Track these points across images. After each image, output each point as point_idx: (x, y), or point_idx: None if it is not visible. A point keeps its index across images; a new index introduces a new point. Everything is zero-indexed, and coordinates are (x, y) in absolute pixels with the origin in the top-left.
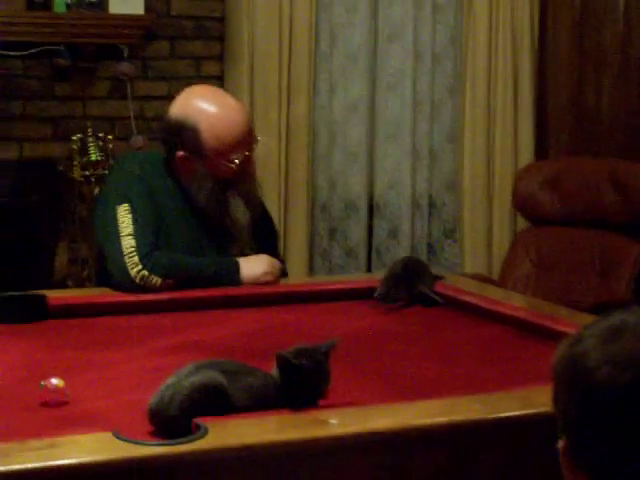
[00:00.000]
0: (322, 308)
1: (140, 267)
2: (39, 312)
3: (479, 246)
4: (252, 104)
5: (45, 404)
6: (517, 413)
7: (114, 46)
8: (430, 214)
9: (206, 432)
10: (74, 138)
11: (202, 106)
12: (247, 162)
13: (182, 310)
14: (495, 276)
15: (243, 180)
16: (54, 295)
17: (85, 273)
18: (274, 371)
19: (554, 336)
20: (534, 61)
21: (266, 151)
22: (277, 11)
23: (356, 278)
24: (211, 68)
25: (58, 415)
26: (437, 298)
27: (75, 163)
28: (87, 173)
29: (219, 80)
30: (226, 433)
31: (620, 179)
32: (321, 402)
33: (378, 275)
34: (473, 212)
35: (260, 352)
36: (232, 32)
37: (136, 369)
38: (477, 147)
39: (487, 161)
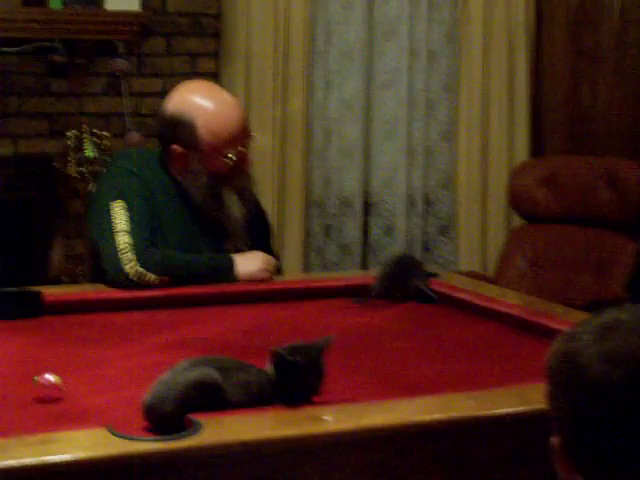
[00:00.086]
0: (317, 305)
1: (135, 264)
2: (34, 308)
3: (474, 244)
4: (247, 101)
5: (40, 400)
6: (512, 410)
7: (110, 42)
8: (425, 211)
9: (201, 428)
10: (69, 134)
11: (198, 101)
12: (242, 158)
13: (177, 307)
14: (490, 273)
15: (238, 176)
16: (49, 291)
17: (80, 269)
18: (269, 368)
19: (549, 333)
20: (529, 59)
21: (261, 148)
22: (273, 8)
23: (351, 275)
24: (207, 65)
25: (53, 411)
26: (432, 294)
27: (70, 159)
28: (82, 169)
29: (215, 77)
30: (221, 429)
31: (615, 177)
32: (316, 399)
33: (373, 272)
34: (468, 210)
35: (255, 349)
36: (228, 29)
37: (131, 365)
38: (472, 145)
39: (482, 159)
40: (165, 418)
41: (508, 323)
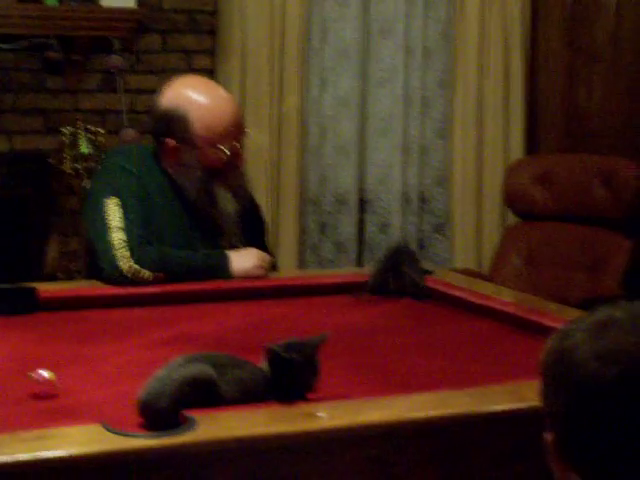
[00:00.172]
0: (312, 302)
1: (130, 261)
2: (29, 304)
3: (469, 241)
4: (243, 98)
5: (35, 396)
6: (507, 407)
7: (105, 39)
8: (420, 209)
9: (195, 425)
10: (65, 131)
11: (192, 96)
12: (235, 154)
13: (172, 303)
14: (485, 271)
15: (231, 172)
16: (44, 288)
17: (75, 266)
18: (264, 364)
19: (543, 331)
20: (525, 57)
21: (257, 145)
22: (269, 5)
23: (346, 272)
24: (202, 62)
25: (48, 407)
26: (426, 289)
27: (65, 156)
28: (78, 166)
29: (210, 74)
30: (215, 426)
31: (610, 175)
32: (311, 395)
33: (368, 270)
34: (463, 207)
35: (250, 345)
36: (224, 26)
37: (126, 362)
38: (467, 143)
39: (477, 156)
40: (160, 414)
41: (503, 320)
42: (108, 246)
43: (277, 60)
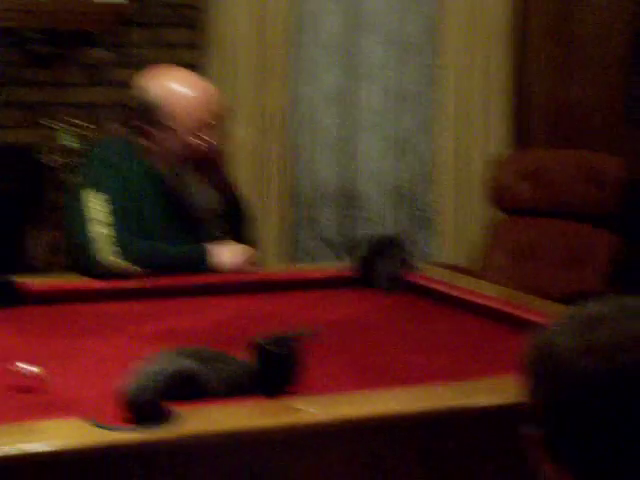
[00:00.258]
0: (296, 296)
1: (111, 254)
2: (9, 297)
3: (453, 236)
4: (228, 92)
5: (20, 390)
6: (489, 401)
7: (89, 32)
8: (404, 204)
9: (180, 418)
10: (49, 124)
11: (164, 81)
12: (213, 145)
13: (157, 298)
14: (469, 266)
15: (212, 162)
16: (30, 282)
17: (58, 260)
18: (248, 358)
19: (527, 326)
20: (510, 51)
21: (241, 140)
22: (254, 0)
23: (330, 267)
24: (187, 56)
25: (33, 401)
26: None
27: (50, 149)
28: (61, 160)
29: (195, 68)
30: (200, 419)
31: (595, 171)
32: (295, 389)
33: (353, 264)
34: (446, 202)
35: (234, 340)
36: (208, 20)
37: (111, 356)
38: (451, 137)
39: (462, 152)
40: (144, 408)
41: (486, 315)
42: (85, 238)
43: (261, 54)
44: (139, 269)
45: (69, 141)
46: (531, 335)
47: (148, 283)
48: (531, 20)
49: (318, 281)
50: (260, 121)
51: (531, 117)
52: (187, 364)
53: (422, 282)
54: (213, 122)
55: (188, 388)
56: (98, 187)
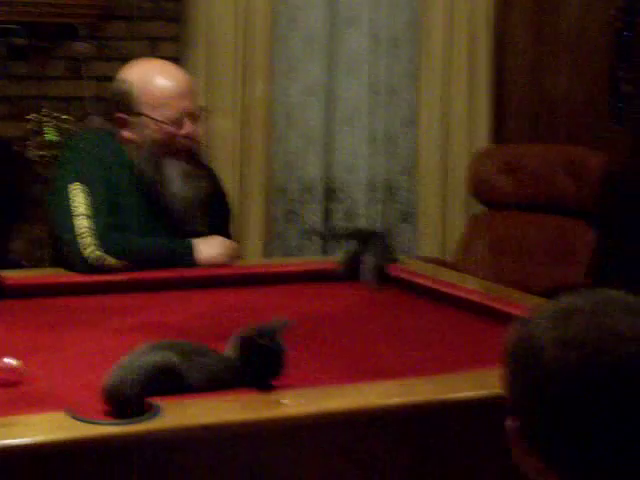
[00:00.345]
0: (278, 290)
1: (94, 248)
2: None
3: (435, 230)
4: (209, 86)
5: (0, 384)
6: (471, 394)
7: (71, 26)
8: (386, 198)
9: (160, 412)
10: (30, 118)
11: (144, 71)
12: (185, 127)
13: (138, 291)
14: (450, 260)
15: (191, 153)
16: (9, 275)
17: (40, 253)
18: (229, 351)
19: (507, 319)
20: (491, 46)
21: (223, 133)
22: None
23: (312, 261)
24: (168, 49)
25: (13, 395)
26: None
27: (31, 143)
28: (43, 153)
29: (176, 61)
30: (180, 413)
31: (575, 165)
32: (277, 382)
33: (334, 258)
34: (429, 196)
35: (215, 333)
36: (189, 13)
37: (91, 349)
38: (434, 132)
39: (443, 146)
40: (125, 402)
41: (467, 309)
42: (72, 233)
43: (243, 48)
44: (125, 263)
45: (52, 134)
46: (510, 327)
47: (129, 277)
48: (512, 15)
49: (301, 275)
50: (242, 114)
51: (513, 112)
52: (168, 357)
53: (405, 276)
54: (191, 112)
55: (169, 382)
56: (79, 179)
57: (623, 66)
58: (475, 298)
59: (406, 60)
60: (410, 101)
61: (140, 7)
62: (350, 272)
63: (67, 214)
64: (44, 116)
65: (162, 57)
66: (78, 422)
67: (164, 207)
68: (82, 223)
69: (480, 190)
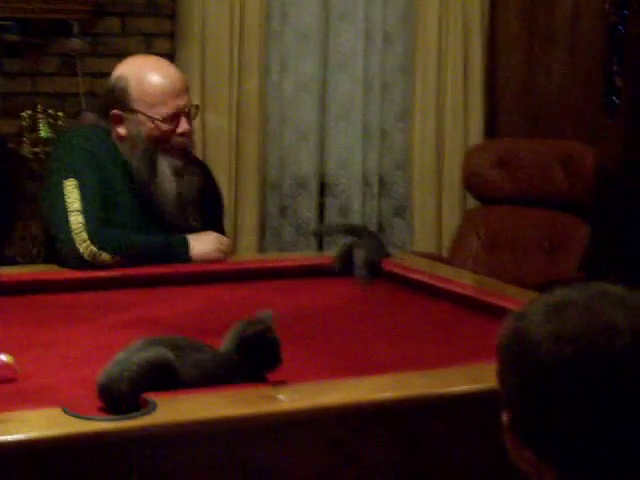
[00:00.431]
0: (272, 285)
1: (89, 243)
2: None
3: (429, 225)
4: (203, 82)
5: None
6: (465, 388)
7: (64, 22)
8: (380, 193)
9: (155, 407)
10: (24, 115)
11: (134, 64)
12: (180, 125)
13: (132, 287)
14: (445, 254)
15: (185, 150)
16: (3, 272)
17: (35, 250)
18: (224, 346)
19: (502, 313)
20: (484, 41)
21: (217, 129)
22: None
23: (306, 256)
24: (162, 45)
25: (7, 391)
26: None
27: (25, 140)
28: (37, 150)
29: (170, 57)
30: (175, 408)
31: (568, 159)
32: (272, 377)
33: (328, 253)
34: (423, 191)
35: (210, 329)
36: (183, 9)
37: (85, 345)
38: (427, 126)
39: (437, 140)
40: (119, 398)
41: (462, 303)
42: (67, 229)
43: (237, 43)
44: (119, 259)
45: (46, 131)
46: (504, 321)
47: (123, 273)
48: (506, 9)
49: (295, 270)
50: (236, 110)
51: (507, 106)
52: (162, 353)
53: (400, 271)
54: (185, 109)
55: (164, 377)
56: (75, 175)
57: (617, 61)
58: (469, 293)
59: (400, 55)
60: (404, 96)
61: (134, 3)
62: (344, 267)
63: (62, 210)
64: (38, 113)
65: (156, 53)
66: (73, 418)
67: (158, 204)
68: (77, 219)
69: (474, 185)
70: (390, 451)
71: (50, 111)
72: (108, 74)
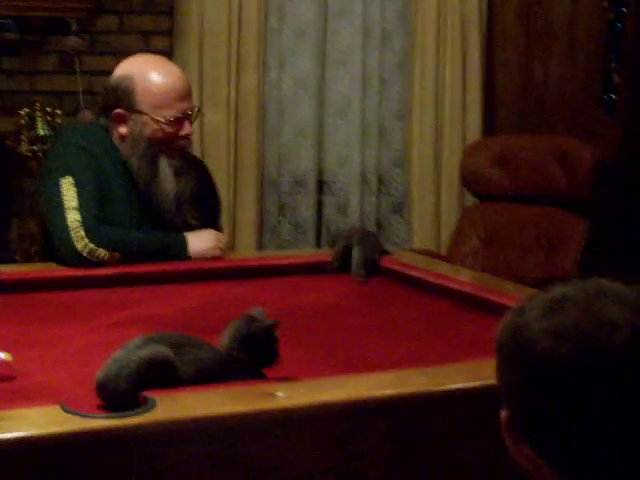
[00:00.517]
0: (271, 283)
1: (86, 241)
2: None
3: (427, 222)
4: (201, 79)
5: None
6: (463, 385)
7: (62, 20)
8: (379, 190)
9: (154, 405)
10: (22, 113)
11: (139, 65)
12: (184, 128)
13: (130, 285)
14: (443, 252)
15: (179, 150)
16: (2, 270)
17: (33, 248)
18: (223, 342)
19: (501, 310)
20: (482, 38)
21: (215, 126)
22: None
23: (305, 253)
24: (160, 43)
25: (5, 389)
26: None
27: (23, 138)
28: (35, 148)
29: (168, 55)
30: (174, 406)
31: (566, 156)
32: (270, 374)
33: (326, 250)
34: (421, 188)
35: (209, 326)
36: (181, 7)
37: (84, 343)
38: (425, 124)
39: (435, 138)
40: (118, 395)
41: (461, 300)
42: (64, 227)
43: (235, 41)
44: (117, 256)
45: (43, 129)
46: (502, 318)
47: (121, 271)
48: (503, 6)
49: (294, 267)
50: (234, 107)
51: (505, 103)
52: (160, 351)
53: (398, 268)
54: (179, 105)
55: (162, 375)
56: (72, 173)
57: (614, 58)
58: (468, 290)
59: (398, 53)
60: (402, 93)
61: (131, 1)
62: (343, 265)
63: (59, 208)
64: (36, 111)
65: (154, 51)
66: (72, 416)
67: (158, 203)
68: (74, 217)
69: (472, 182)
70: (389, 448)
71: (48, 109)
72: (106, 72)
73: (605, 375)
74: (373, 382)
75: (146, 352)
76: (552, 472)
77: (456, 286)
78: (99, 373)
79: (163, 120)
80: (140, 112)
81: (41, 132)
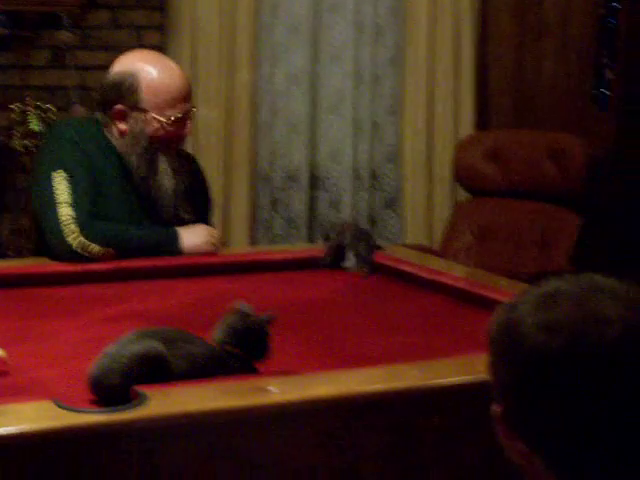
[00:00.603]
0: (264, 278)
1: (78, 235)
2: None
3: (420, 217)
4: (193, 75)
5: None
6: (456, 380)
7: (54, 15)
8: (371, 185)
9: (146, 400)
10: (14, 108)
11: (143, 62)
12: (183, 127)
13: (123, 280)
14: (436, 247)
15: (174, 148)
16: None
17: (26, 243)
18: (216, 336)
19: (494, 305)
20: (475, 33)
21: (207, 122)
22: None
23: (297, 248)
24: (152, 38)
25: None
26: (366, 268)
27: (15, 133)
28: (27, 143)
29: (160, 50)
30: (167, 401)
31: (559, 151)
32: (263, 369)
33: (319, 246)
34: (414, 183)
35: (201, 321)
36: (173, 2)
37: (77, 338)
38: (418, 119)
39: (428, 133)
40: (111, 390)
41: (454, 295)
42: (56, 221)
43: (227, 36)
44: (110, 251)
45: (35, 124)
46: (494, 313)
47: (114, 266)
48: (495, 3)
49: (286, 262)
50: (227, 103)
51: (497, 99)
52: (153, 346)
53: (391, 263)
54: (181, 103)
55: (155, 370)
56: (62, 167)
57: (607, 53)
58: (461, 285)
59: (390, 48)
60: (394, 89)
61: None
62: (335, 260)
63: (51, 202)
64: (28, 106)
65: (146, 46)
66: (64, 411)
67: (156, 199)
68: (66, 211)
69: (465, 177)
70: (381, 443)
71: (40, 104)
72: (98, 67)
73: (597, 370)
74: (366, 377)
75: (138, 347)
76: (545, 466)
77: (449, 281)
78: (92, 368)
79: (166, 120)
80: (143, 110)
81: (35, 128)
